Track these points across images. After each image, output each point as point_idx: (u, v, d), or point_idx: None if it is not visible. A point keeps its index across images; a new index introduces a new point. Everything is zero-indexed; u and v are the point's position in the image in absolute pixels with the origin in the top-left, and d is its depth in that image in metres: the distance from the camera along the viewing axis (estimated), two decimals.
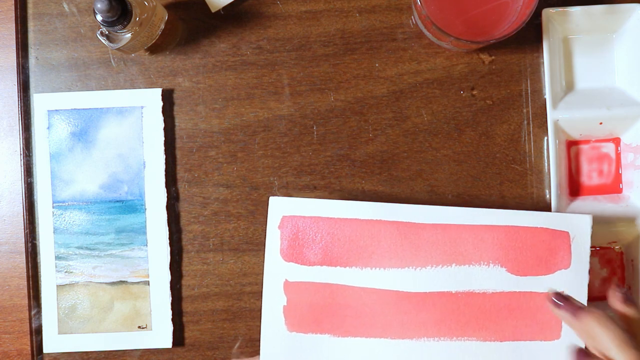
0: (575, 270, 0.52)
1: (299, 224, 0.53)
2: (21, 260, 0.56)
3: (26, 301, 0.56)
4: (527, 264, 0.52)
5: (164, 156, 0.56)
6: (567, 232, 0.52)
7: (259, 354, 0.54)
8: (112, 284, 0.56)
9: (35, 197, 0.57)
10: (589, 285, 0.57)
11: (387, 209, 0.53)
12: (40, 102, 0.56)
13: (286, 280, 0.53)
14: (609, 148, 0.58)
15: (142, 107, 0.56)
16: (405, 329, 0.52)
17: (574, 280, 0.52)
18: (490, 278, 0.52)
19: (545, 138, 0.57)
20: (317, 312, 0.53)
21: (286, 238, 0.53)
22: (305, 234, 0.53)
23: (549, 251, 0.52)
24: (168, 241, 0.56)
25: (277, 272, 0.53)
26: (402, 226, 0.53)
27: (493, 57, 0.57)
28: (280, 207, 0.53)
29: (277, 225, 0.53)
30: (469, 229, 0.52)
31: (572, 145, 0.58)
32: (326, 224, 0.53)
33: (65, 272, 0.56)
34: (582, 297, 0.52)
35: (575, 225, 0.52)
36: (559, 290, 0.52)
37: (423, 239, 0.52)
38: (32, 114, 0.57)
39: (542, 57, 0.56)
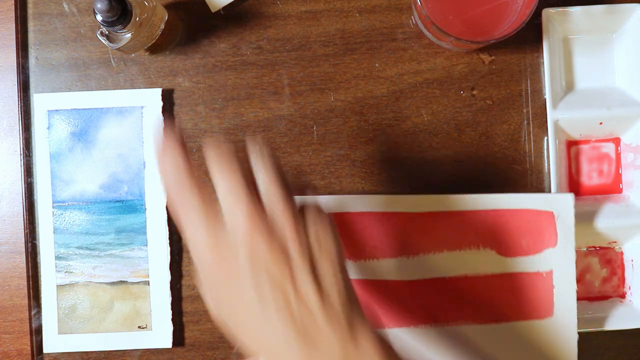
0: (563, 248, 0.53)
1: None
2: (21, 260, 0.56)
3: (26, 301, 0.56)
4: (515, 245, 0.53)
5: None
6: (552, 212, 0.53)
7: None
8: (112, 284, 0.56)
9: (35, 197, 0.57)
10: (588, 285, 0.57)
11: (375, 201, 0.53)
12: (40, 102, 0.56)
13: None
14: (609, 148, 0.58)
15: (142, 107, 0.56)
16: (402, 318, 0.53)
17: (562, 257, 0.53)
18: (482, 261, 0.53)
19: (545, 138, 0.57)
20: None
21: None
22: None
23: (535, 231, 0.53)
24: (168, 241, 0.56)
25: None
26: (392, 217, 0.53)
27: (493, 57, 0.57)
28: None
29: None
30: (456, 215, 0.53)
31: (572, 145, 0.58)
32: None
33: (65, 272, 0.56)
34: (570, 273, 0.52)
35: (559, 204, 0.53)
36: (548, 269, 0.53)
37: (413, 227, 0.53)
38: (32, 114, 0.57)
39: (542, 57, 0.56)
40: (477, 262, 0.53)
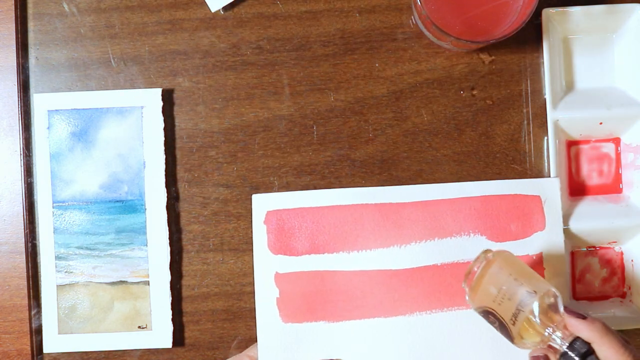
0: (551, 231, 0.54)
1: (283, 217, 0.54)
2: (21, 260, 0.56)
3: (26, 301, 0.56)
4: (504, 229, 0.54)
5: (164, 156, 0.56)
6: (539, 196, 0.54)
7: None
8: (112, 284, 0.56)
9: (35, 197, 0.57)
10: (588, 285, 0.57)
11: (366, 193, 0.54)
12: (40, 102, 0.56)
13: (276, 272, 0.54)
14: (609, 148, 0.58)
15: (142, 107, 0.56)
16: (397, 306, 0.53)
17: (551, 240, 0.54)
18: (472, 247, 0.54)
19: (545, 138, 0.57)
20: (310, 300, 0.53)
21: (272, 232, 0.54)
22: (291, 225, 0.54)
23: (523, 215, 0.54)
24: (168, 241, 0.56)
25: (267, 266, 0.54)
26: (383, 207, 0.54)
27: (493, 57, 0.57)
28: (263, 204, 0.54)
29: (262, 220, 0.54)
30: (446, 203, 0.54)
31: (572, 145, 0.58)
32: (309, 213, 0.54)
33: (65, 272, 0.56)
34: (559, 255, 0.54)
35: (545, 188, 0.54)
36: (538, 252, 0.54)
37: (404, 217, 0.54)
38: (32, 114, 0.57)
39: (542, 57, 0.56)
40: (468, 248, 0.54)
